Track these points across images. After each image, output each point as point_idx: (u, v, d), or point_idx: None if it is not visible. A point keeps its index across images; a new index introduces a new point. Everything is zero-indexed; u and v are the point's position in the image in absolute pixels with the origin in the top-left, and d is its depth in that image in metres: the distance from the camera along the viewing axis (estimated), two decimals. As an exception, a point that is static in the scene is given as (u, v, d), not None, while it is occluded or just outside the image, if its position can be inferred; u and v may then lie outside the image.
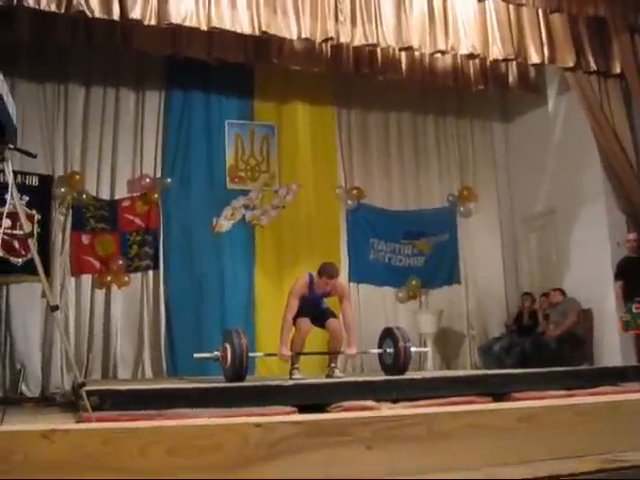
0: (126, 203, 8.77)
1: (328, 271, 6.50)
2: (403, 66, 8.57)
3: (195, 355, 6.45)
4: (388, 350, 6.62)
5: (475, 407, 2.19)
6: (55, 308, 4.24)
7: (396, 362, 6.47)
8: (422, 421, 1.76)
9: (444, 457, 1.74)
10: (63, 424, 1.67)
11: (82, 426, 1.63)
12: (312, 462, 1.58)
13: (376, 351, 6.90)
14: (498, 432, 1.83)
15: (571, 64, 8.19)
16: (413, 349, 6.76)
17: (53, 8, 6.46)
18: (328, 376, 6.49)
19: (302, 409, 4.53)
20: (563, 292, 8.89)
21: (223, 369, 6.02)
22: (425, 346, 9.16)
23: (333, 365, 6.64)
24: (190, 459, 1.50)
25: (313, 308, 6.53)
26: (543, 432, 1.87)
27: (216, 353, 6.11)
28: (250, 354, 6.19)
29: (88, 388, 4.24)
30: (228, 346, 5.86)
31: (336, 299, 6.77)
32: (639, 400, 2.17)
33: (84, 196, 8.48)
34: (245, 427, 1.55)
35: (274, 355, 6.73)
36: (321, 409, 4.65)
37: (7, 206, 3.86)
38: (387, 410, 3.91)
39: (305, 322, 6.39)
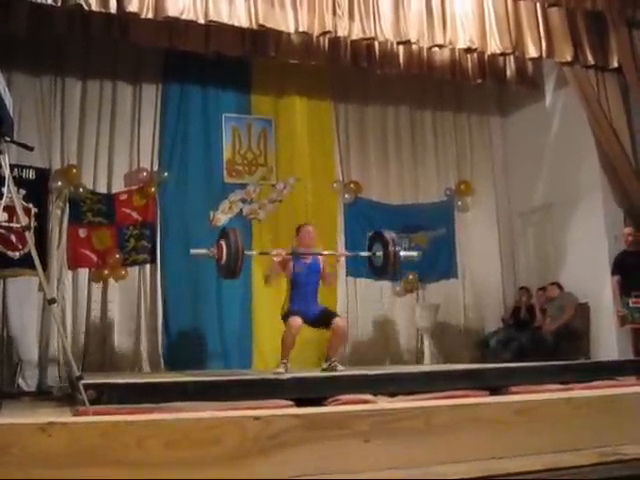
0: (123, 197, 8.74)
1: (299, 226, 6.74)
2: (401, 60, 8.54)
3: (191, 251, 6.47)
4: (377, 253, 6.61)
5: (472, 400, 2.19)
6: (52, 301, 4.23)
7: (385, 265, 6.46)
8: (420, 414, 1.76)
9: (441, 450, 1.74)
10: (61, 417, 1.67)
11: (80, 419, 1.62)
12: (310, 455, 1.58)
13: (365, 254, 6.90)
14: (495, 425, 1.83)
15: (569, 58, 8.18)
16: (402, 253, 6.75)
17: (50, 1, 6.43)
18: (330, 370, 6.39)
19: (299, 403, 4.52)
20: (560, 286, 8.90)
21: (217, 266, 6.03)
22: (422, 341, 9.17)
23: (334, 359, 6.53)
24: (188, 452, 1.49)
25: (306, 295, 6.50)
26: (540, 425, 1.87)
27: (212, 249, 6.11)
28: (246, 252, 6.25)
29: (85, 382, 4.23)
30: (223, 243, 5.85)
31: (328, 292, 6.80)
32: (636, 394, 2.17)
33: (81, 190, 8.45)
34: (244, 420, 1.55)
35: (266, 254, 6.94)
36: (318, 403, 4.64)
37: (4, 199, 3.84)
38: (385, 403, 3.91)
39: (296, 320, 6.27)
